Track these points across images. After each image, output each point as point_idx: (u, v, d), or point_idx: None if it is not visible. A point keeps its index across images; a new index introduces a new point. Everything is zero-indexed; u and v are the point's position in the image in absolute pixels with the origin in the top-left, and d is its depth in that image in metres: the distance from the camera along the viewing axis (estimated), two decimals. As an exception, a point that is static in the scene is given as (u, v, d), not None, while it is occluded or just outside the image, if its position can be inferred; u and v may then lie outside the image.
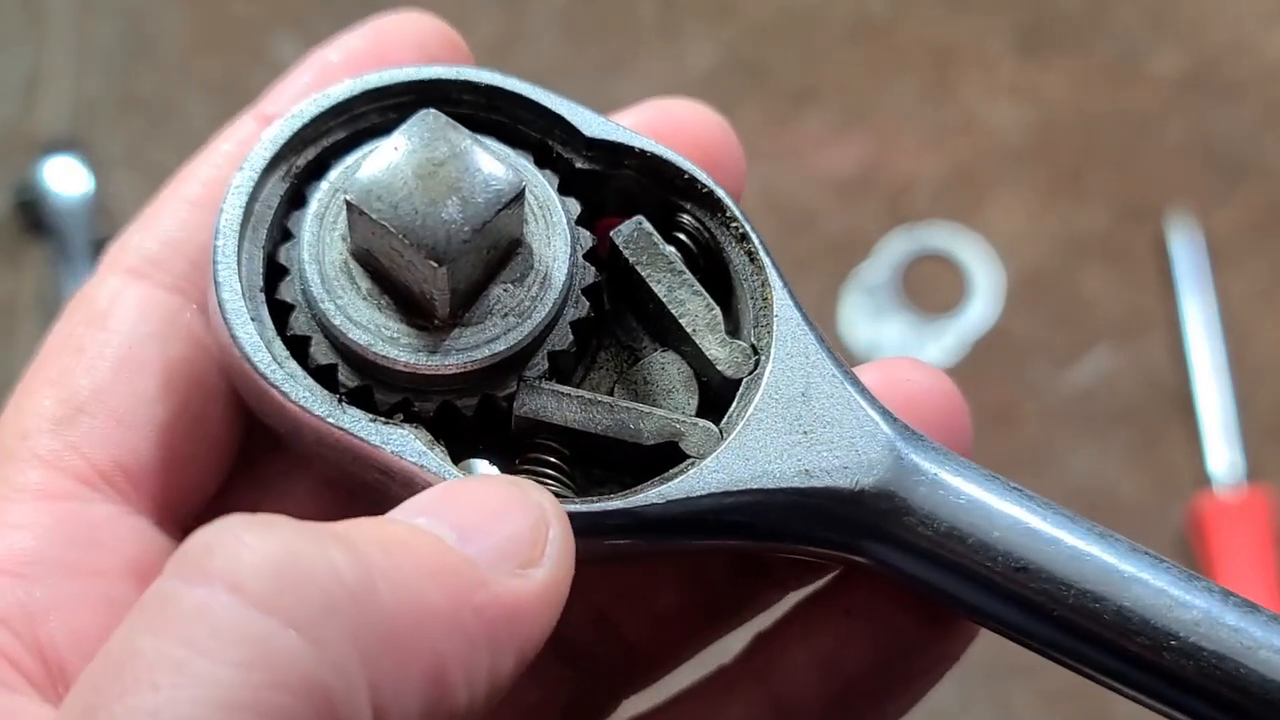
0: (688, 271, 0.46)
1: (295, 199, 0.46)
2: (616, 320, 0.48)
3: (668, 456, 0.44)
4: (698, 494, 0.43)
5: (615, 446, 0.45)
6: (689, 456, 0.44)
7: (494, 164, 0.43)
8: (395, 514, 0.40)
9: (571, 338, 0.45)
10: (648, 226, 0.46)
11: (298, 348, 0.45)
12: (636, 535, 0.44)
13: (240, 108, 0.51)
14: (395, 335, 0.43)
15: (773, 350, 0.45)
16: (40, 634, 0.42)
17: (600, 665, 0.53)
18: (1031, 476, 1.24)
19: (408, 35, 0.49)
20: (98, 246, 1.28)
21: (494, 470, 0.46)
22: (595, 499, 0.43)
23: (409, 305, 0.44)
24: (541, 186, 0.46)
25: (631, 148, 0.47)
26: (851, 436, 0.44)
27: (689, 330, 0.46)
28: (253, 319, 0.44)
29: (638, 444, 0.44)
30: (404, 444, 0.43)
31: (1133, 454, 1.23)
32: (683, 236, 0.48)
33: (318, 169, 0.47)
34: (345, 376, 0.44)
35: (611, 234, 0.47)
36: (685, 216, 0.48)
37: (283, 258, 0.45)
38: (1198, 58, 1.34)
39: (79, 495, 0.44)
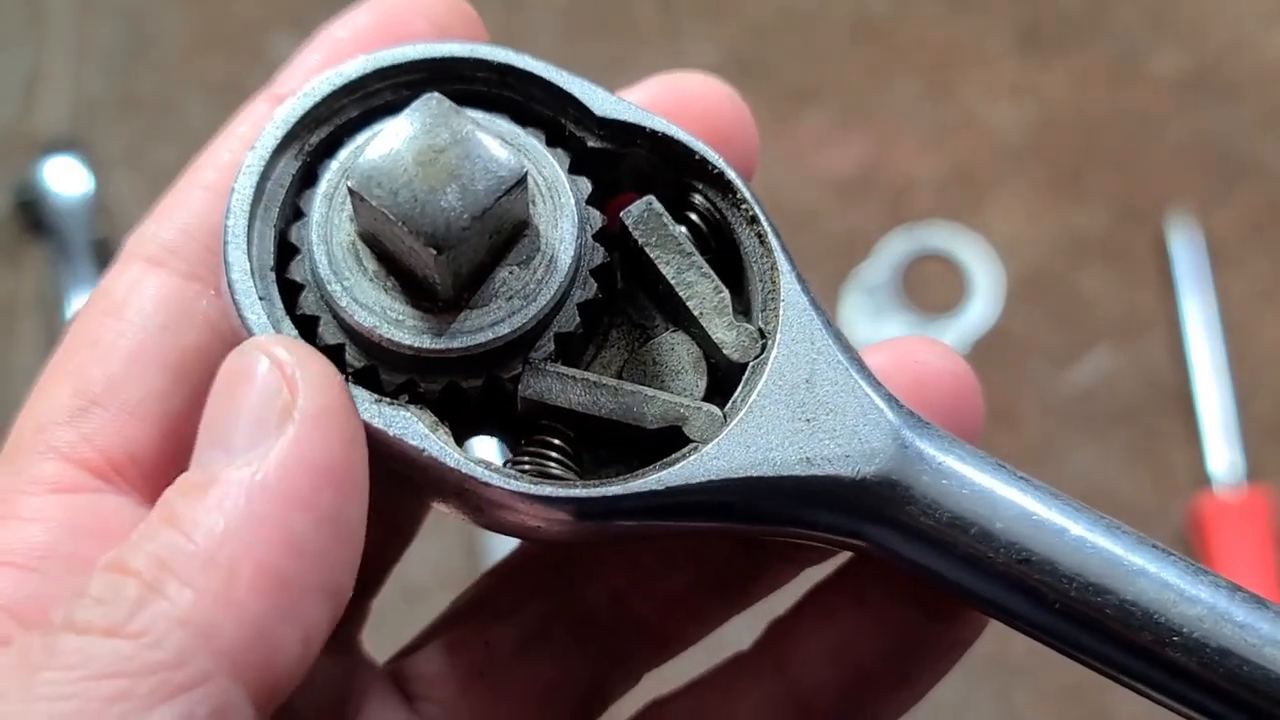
0: (697, 253, 0.46)
1: (308, 177, 0.46)
2: (629, 299, 0.48)
3: (671, 440, 0.44)
4: (697, 480, 0.43)
5: (619, 429, 0.45)
6: (692, 441, 0.44)
7: (496, 149, 0.42)
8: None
9: (578, 320, 0.45)
10: (658, 207, 0.46)
11: (307, 327, 0.45)
12: (637, 519, 0.44)
13: (240, 108, 0.50)
14: (400, 317, 0.43)
15: (779, 335, 0.45)
16: None
17: (617, 643, 0.53)
18: (1032, 476, 1.24)
19: (419, 11, 0.49)
20: (98, 246, 1.28)
21: (494, 449, 0.46)
22: (596, 483, 0.43)
23: (414, 288, 0.44)
24: (550, 167, 0.46)
25: (643, 127, 0.47)
26: (855, 424, 0.44)
27: (696, 312, 0.46)
28: (262, 298, 0.44)
29: (641, 427, 0.44)
30: (406, 426, 0.43)
31: (1133, 454, 1.23)
32: (694, 217, 0.47)
33: (331, 147, 0.47)
34: (352, 357, 0.44)
35: (621, 214, 0.46)
36: (697, 197, 0.47)
37: (294, 237, 0.45)
38: (1198, 58, 1.34)
39: (92, 487, 0.45)
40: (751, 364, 0.45)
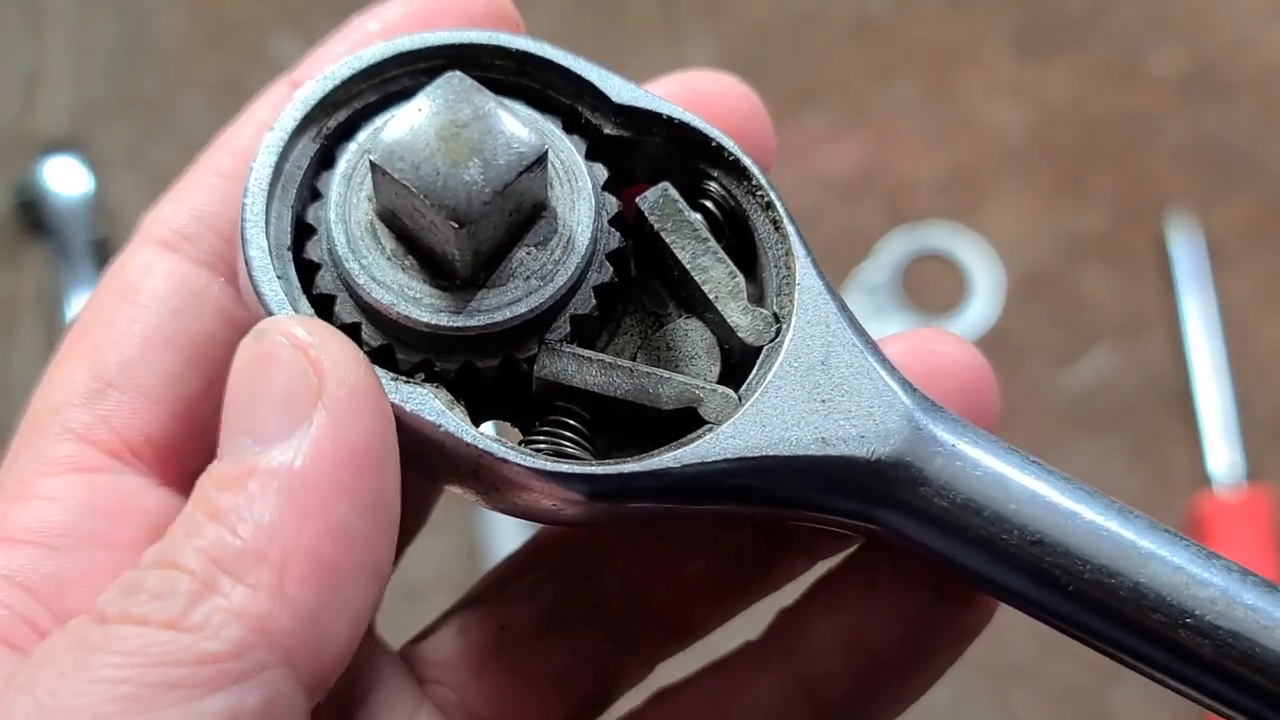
0: (712, 239, 0.46)
1: (325, 160, 0.47)
2: (643, 286, 0.48)
3: (686, 422, 0.45)
4: (713, 459, 0.43)
5: (634, 410, 0.45)
6: (707, 422, 0.44)
7: (517, 127, 0.43)
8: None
9: (594, 302, 0.45)
10: (673, 193, 0.47)
11: (324, 306, 0.45)
12: (653, 499, 0.44)
13: (240, 108, 0.51)
14: (418, 295, 0.44)
15: (794, 318, 0.45)
16: (69, 604, 0.43)
17: (631, 631, 0.53)
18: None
19: (451, 4, 0.49)
20: (98, 246, 1.28)
21: (499, 432, 0.46)
22: (612, 462, 0.43)
23: (432, 266, 0.44)
24: (568, 152, 0.46)
25: (659, 114, 0.47)
26: (869, 406, 0.44)
27: (711, 297, 0.46)
28: (279, 277, 0.44)
29: (656, 408, 0.45)
30: (423, 402, 0.43)
31: (1133, 454, 1.23)
32: (709, 204, 0.48)
33: (349, 130, 0.47)
34: (369, 335, 0.44)
35: (637, 200, 0.47)
36: (712, 184, 0.48)
37: (311, 217, 0.46)
38: (1198, 58, 1.34)
39: (108, 468, 0.45)
40: (766, 348, 0.45)
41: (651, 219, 0.46)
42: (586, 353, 0.45)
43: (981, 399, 0.49)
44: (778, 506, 0.45)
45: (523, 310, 0.44)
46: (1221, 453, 1.21)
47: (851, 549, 0.50)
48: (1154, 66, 1.34)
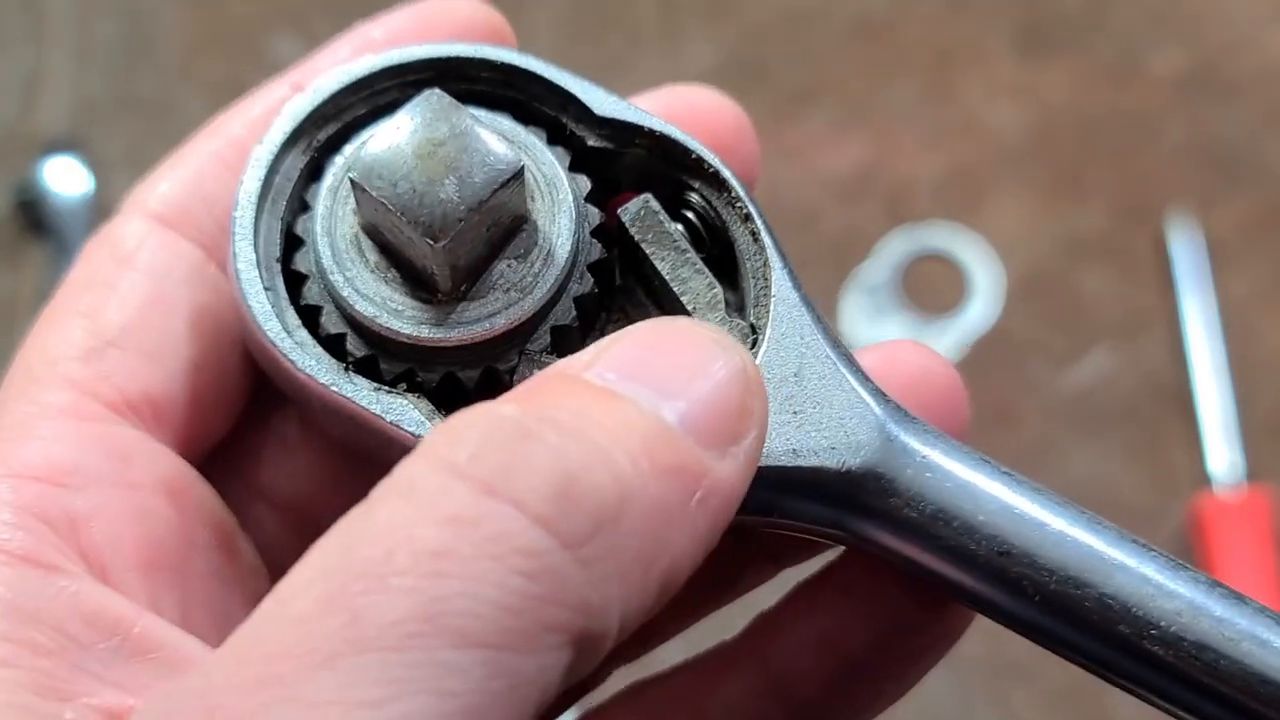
0: (691, 250, 0.47)
1: (315, 171, 0.47)
2: (627, 295, 0.49)
3: None
4: None
5: None
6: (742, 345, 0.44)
7: (494, 143, 0.43)
8: (609, 372, 0.39)
9: (575, 313, 0.46)
10: (654, 205, 0.47)
11: (310, 316, 0.46)
12: None
13: (259, 86, 0.51)
14: (400, 308, 0.45)
15: (768, 330, 0.46)
16: (83, 539, 0.43)
17: None
18: (1031, 476, 1.24)
19: (454, 18, 0.50)
20: (98, 246, 1.28)
21: None
22: None
23: (414, 279, 0.45)
24: (550, 164, 0.47)
25: (641, 126, 0.48)
26: (841, 417, 0.44)
27: (690, 308, 0.46)
28: (267, 288, 0.45)
29: None
30: (403, 413, 0.44)
31: (1133, 454, 1.23)
32: (690, 215, 0.48)
33: (338, 142, 0.48)
34: (353, 346, 0.45)
35: (619, 211, 0.47)
36: (694, 195, 0.48)
37: (300, 229, 0.47)
38: (1198, 58, 1.34)
39: (108, 419, 0.45)
40: None
41: (632, 230, 0.47)
42: None
43: (953, 409, 0.48)
44: (751, 515, 0.45)
45: (502, 323, 0.45)
46: (1221, 453, 1.21)
47: (828, 554, 0.51)
48: (1154, 66, 1.34)
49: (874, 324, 1.28)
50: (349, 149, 0.47)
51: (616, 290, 0.49)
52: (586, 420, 0.38)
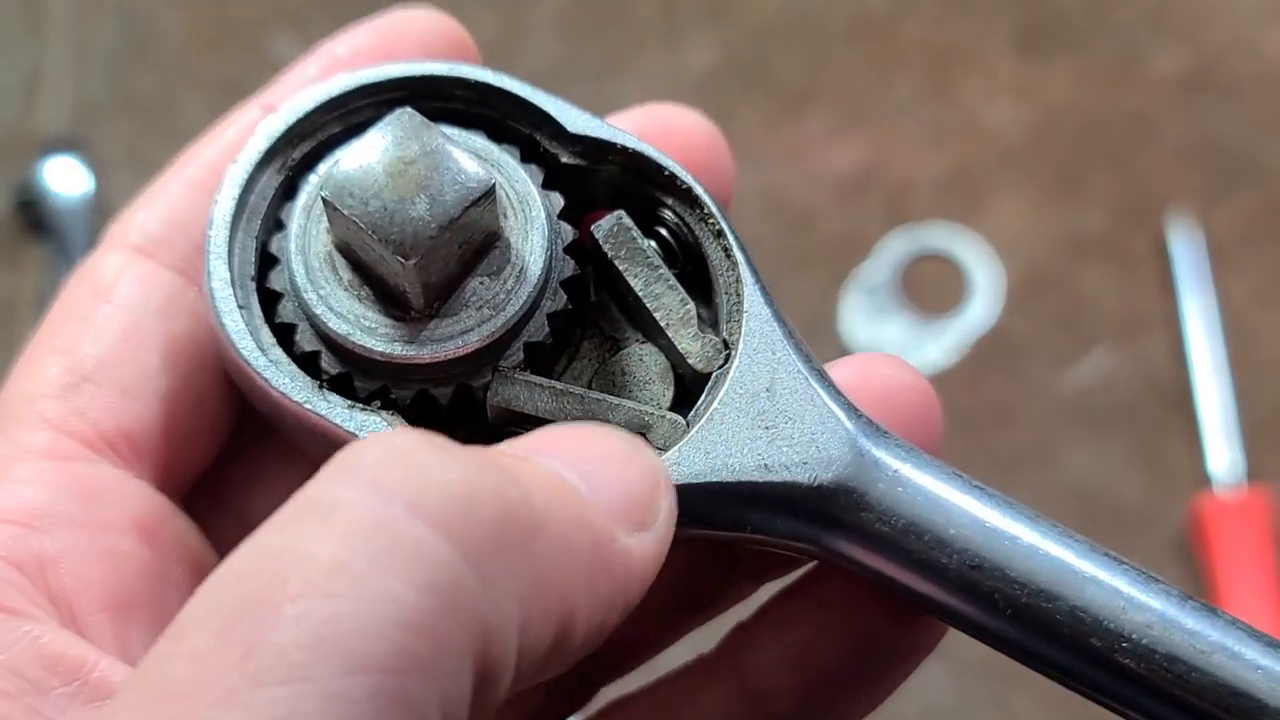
0: (664, 267, 0.47)
1: (290, 190, 0.48)
2: (601, 311, 0.49)
3: None
4: None
5: None
6: (655, 448, 0.45)
7: (465, 162, 0.44)
8: (523, 449, 0.40)
9: (548, 329, 0.46)
10: (627, 221, 0.47)
11: (285, 335, 0.46)
12: None
13: (230, 110, 0.51)
14: (373, 325, 0.45)
15: (740, 345, 0.46)
16: (51, 581, 0.43)
17: None
18: (1031, 476, 1.25)
19: (415, 32, 0.50)
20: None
21: None
22: None
23: (387, 297, 0.45)
24: (522, 182, 0.47)
25: (614, 144, 0.48)
26: (813, 432, 0.44)
27: (663, 324, 0.47)
28: (241, 306, 0.45)
29: None
30: (376, 431, 0.44)
31: (1133, 454, 1.23)
32: (664, 232, 0.49)
33: (313, 160, 0.48)
34: (327, 363, 0.45)
35: (591, 228, 0.47)
36: (667, 212, 0.49)
37: (274, 247, 0.47)
38: (1198, 58, 1.34)
39: (84, 457, 0.45)
40: (715, 374, 0.46)
41: (605, 247, 0.47)
42: (538, 379, 0.46)
43: (925, 423, 0.48)
44: (723, 529, 0.45)
45: (474, 340, 0.45)
46: (1221, 453, 1.21)
47: (803, 569, 0.51)
48: (1154, 66, 1.34)
49: (874, 324, 1.28)
50: (323, 167, 0.47)
51: (591, 307, 0.49)
52: (499, 458, 0.38)
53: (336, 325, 0.45)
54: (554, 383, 0.46)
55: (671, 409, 0.47)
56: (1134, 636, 0.42)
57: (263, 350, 0.45)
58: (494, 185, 0.44)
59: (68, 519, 0.44)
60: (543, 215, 0.46)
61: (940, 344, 1.27)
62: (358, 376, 0.45)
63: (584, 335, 0.49)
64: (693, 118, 0.52)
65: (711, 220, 0.48)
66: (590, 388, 0.47)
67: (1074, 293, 1.27)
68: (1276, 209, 1.29)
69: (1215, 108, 1.32)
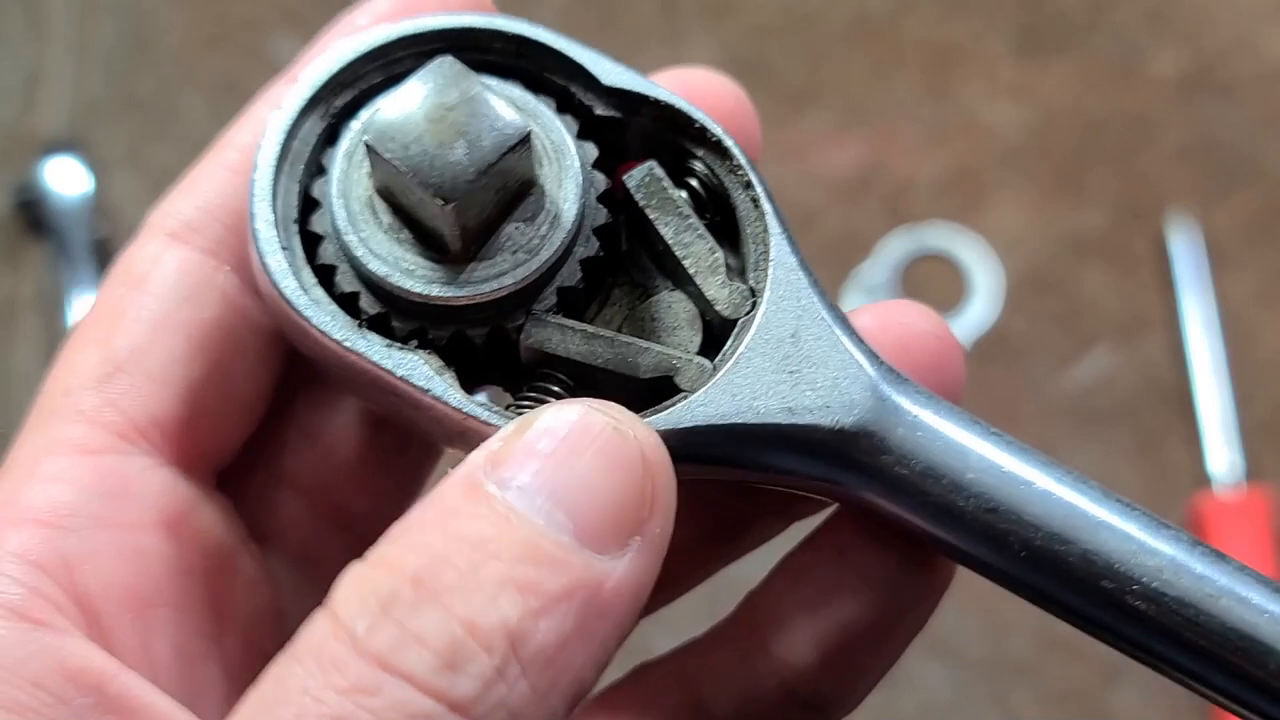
0: (694, 216, 0.49)
1: (331, 136, 0.49)
2: (632, 259, 0.50)
3: (664, 389, 0.47)
4: (685, 425, 0.45)
5: (615, 378, 0.47)
6: (683, 390, 0.46)
7: (503, 109, 0.45)
8: (494, 484, 0.41)
9: (580, 274, 0.47)
10: (659, 172, 0.49)
11: (326, 276, 0.47)
12: None
13: (240, 108, 0.52)
14: (411, 267, 0.46)
15: (767, 293, 0.47)
16: (77, 581, 0.45)
17: None
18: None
19: None
20: (98, 246, 1.28)
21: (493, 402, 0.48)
22: None
23: (425, 240, 0.46)
24: (558, 131, 0.48)
25: (647, 96, 0.49)
26: (835, 377, 0.46)
27: (691, 272, 0.48)
28: (284, 248, 0.47)
29: (635, 376, 0.47)
30: (413, 368, 0.45)
31: (1133, 454, 1.23)
32: (694, 182, 0.50)
33: (354, 108, 0.49)
34: (366, 304, 0.47)
35: (624, 178, 0.49)
36: (697, 163, 0.50)
37: (316, 192, 0.48)
38: (1198, 58, 1.34)
39: (115, 449, 0.47)
40: (742, 320, 0.47)
41: (637, 196, 0.48)
42: (570, 323, 0.47)
43: (947, 369, 0.50)
44: (747, 469, 0.47)
45: (509, 283, 0.46)
46: (1221, 453, 1.21)
47: (825, 512, 0.52)
48: (1154, 66, 1.34)
49: (874, 324, 1.28)
50: (364, 114, 0.49)
51: (623, 254, 0.50)
52: (481, 556, 0.39)
53: (376, 266, 0.46)
54: (585, 326, 0.47)
55: (699, 353, 0.48)
56: (1145, 580, 0.43)
57: (304, 290, 0.47)
58: (530, 132, 0.45)
59: (94, 518, 0.46)
60: (577, 164, 0.48)
61: (940, 344, 1.27)
62: (395, 317, 0.47)
63: (615, 282, 0.50)
64: (721, 81, 0.53)
65: (740, 171, 0.49)
66: (620, 332, 0.48)
67: (1074, 293, 1.27)
68: (1276, 209, 1.29)
69: (1215, 108, 1.32)
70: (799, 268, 0.48)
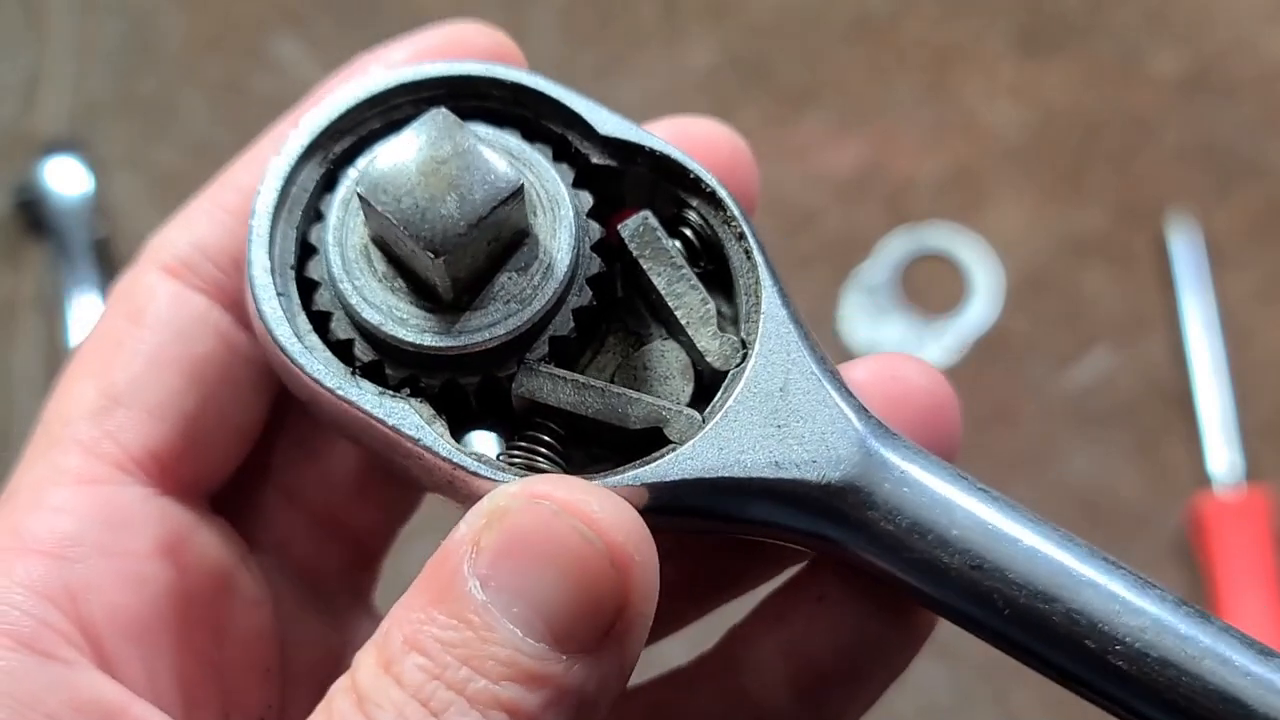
0: (687, 266, 0.49)
1: (330, 182, 0.50)
2: (627, 306, 0.50)
3: (653, 440, 0.47)
4: (671, 479, 0.45)
5: (605, 429, 0.47)
6: (672, 442, 0.47)
7: (495, 162, 0.45)
8: (474, 582, 0.42)
9: (572, 324, 0.48)
10: (653, 221, 0.49)
11: (321, 322, 0.48)
12: None
13: (240, 108, 0.52)
14: (405, 316, 0.47)
15: (757, 346, 0.47)
16: (81, 611, 0.46)
17: None
18: (1031, 476, 1.25)
19: (467, 41, 0.53)
20: (98, 246, 1.28)
21: (491, 444, 0.48)
22: (580, 477, 0.45)
23: (419, 289, 0.47)
24: (553, 181, 0.49)
25: (642, 146, 0.50)
26: (823, 432, 0.46)
27: (684, 322, 0.48)
28: (280, 294, 0.47)
29: (625, 428, 0.47)
30: (403, 418, 0.46)
31: (1133, 454, 1.23)
32: (688, 232, 0.50)
33: (353, 154, 0.50)
34: (360, 351, 0.47)
35: (619, 228, 0.49)
36: (692, 213, 0.50)
37: (314, 238, 0.49)
38: (1198, 58, 1.34)
39: (114, 479, 0.48)
40: (732, 372, 0.48)
41: (631, 246, 0.49)
42: (561, 373, 0.47)
43: (942, 425, 0.50)
44: (732, 524, 0.47)
45: (501, 333, 0.46)
46: (1221, 453, 1.21)
47: (801, 565, 0.52)
48: (1154, 66, 1.34)
49: (874, 324, 1.28)
50: (361, 162, 0.49)
51: (617, 302, 0.50)
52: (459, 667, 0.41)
53: (370, 315, 0.46)
54: (577, 376, 0.47)
55: (691, 403, 0.48)
56: (1128, 640, 0.43)
57: (299, 337, 0.47)
58: (522, 185, 0.45)
59: (97, 547, 0.47)
60: (571, 214, 0.48)
61: (940, 344, 1.27)
62: (388, 364, 0.47)
63: (609, 329, 0.50)
64: (717, 128, 0.54)
65: (734, 223, 0.49)
66: (613, 380, 0.49)
67: (1074, 293, 1.27)
68: (1276, 209, 1.29)
69: (1215, 108, 1.32)
70: (790, 320, 0.48)
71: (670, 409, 0.47)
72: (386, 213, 0.45)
